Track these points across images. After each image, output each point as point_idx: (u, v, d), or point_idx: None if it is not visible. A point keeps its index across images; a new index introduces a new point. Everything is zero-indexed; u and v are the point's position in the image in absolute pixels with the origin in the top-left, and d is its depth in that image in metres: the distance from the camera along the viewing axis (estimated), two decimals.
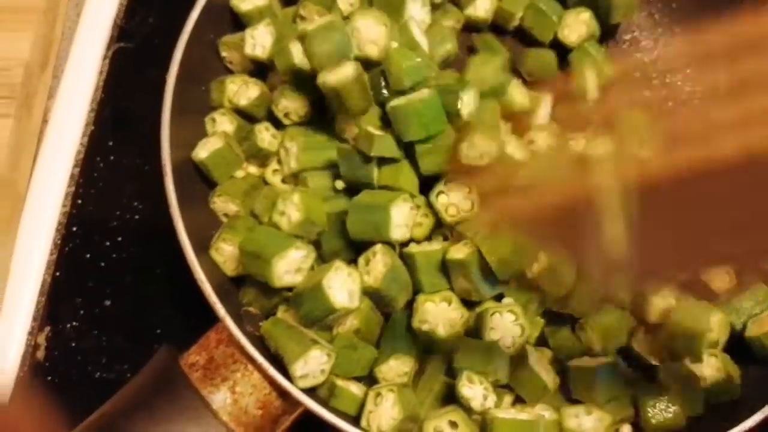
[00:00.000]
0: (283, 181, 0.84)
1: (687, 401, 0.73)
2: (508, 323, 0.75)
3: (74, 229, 0.90)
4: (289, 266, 0.74)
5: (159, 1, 1.02)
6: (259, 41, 0.85)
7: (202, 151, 0.82)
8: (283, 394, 0.70)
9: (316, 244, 0.77)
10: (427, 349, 0.76)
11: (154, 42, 0.99)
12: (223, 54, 0.89)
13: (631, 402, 0.74)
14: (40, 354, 0.85)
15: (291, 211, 0.76)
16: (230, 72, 0.89)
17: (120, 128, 0.95)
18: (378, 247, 0.75)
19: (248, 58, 0.86)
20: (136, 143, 0.94)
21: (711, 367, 0.75)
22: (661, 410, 0.73)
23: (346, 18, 0.90)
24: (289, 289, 0.76)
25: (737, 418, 0.70)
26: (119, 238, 0.90)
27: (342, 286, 0.73)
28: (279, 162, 0.84)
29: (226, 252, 0.78)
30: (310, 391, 0.71)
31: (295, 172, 0.82)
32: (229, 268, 0.78)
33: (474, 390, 0.72)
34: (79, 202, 0.91)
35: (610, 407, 0.73)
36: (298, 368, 0.70)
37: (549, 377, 0.75)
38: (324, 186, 0.81)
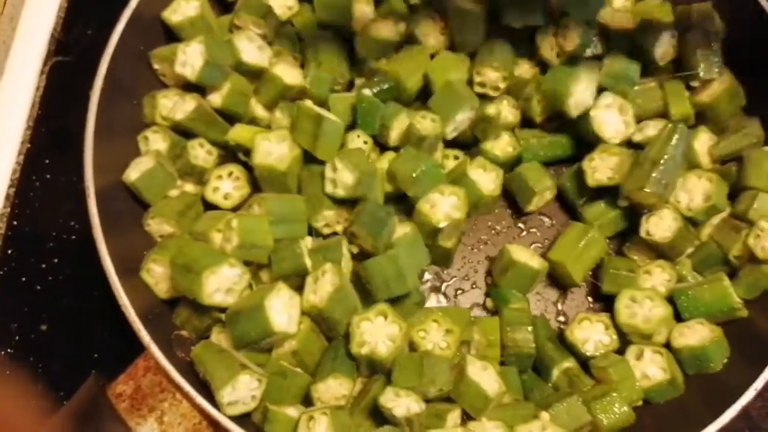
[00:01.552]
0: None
1: (626, 391, 0.72)
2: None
3: (9, 251, 0.86)
4: (221, 284, 0.70)
5: (97, 12, 0.98)
6: (189, 60, 0.80)
7: (133, 173, 0.78)
8: (213, 423, 0.67)
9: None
10: (371, 370, 0.73)
11: (92, 55, 0.93)
12: (155, 66, 0.85)
13: (586, 410, 0.71)
14: None
15: (231, 234, 0.73)
16: (164, 85, 0.85)
17: (57, 146, 0.92)
18: (328, 266, 0.72)
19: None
20: (73, 161, 0.88)
21: (655, 365, 0.73)
22: (611, 410, 0.71)
23: (285, 23, 0.87)
24: (223, 310, 0.73)
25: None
26: (55, 260, 0.86)
27: (283, 308, 0.70)
28: None
29: (157, 273, 0.74)
30: (243, 419, 0.68)
31: None
32: (161, 290, 0.75)
33: (398, 401, 0.69)
34: (15, 223, 0.88)
35: (565, 419, 0.70)
36: (225, 394, 0.66)
37: (491, 386, 0.72)
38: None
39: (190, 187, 0.82)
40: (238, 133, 0.79)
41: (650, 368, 0.72)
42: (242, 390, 0.67)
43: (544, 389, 0.76)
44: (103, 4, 0.97)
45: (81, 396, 0.69)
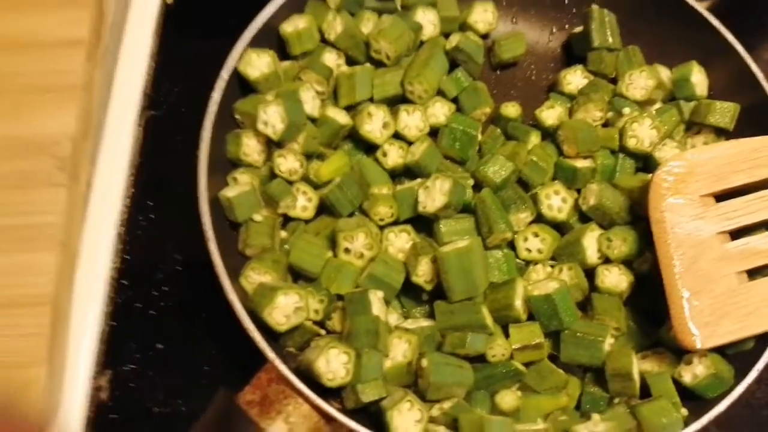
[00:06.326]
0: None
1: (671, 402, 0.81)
2: None
3: (124, 282, 0.96)
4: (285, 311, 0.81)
5: (181, 71, 1.08)
6: (270, 120, 0.89)
7: (230, 192, 0.87)
8: (329, 419, 0.78)
9: None
10: None
11: (181, 109, 1.05)
12: (236, 116, 0.94)
13: (632, 416, 0.80)
14: (104, 395, 0.91)
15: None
16: None
17: (158, 189, 1.01)
18: None
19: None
20: (173, 202, 0.99)
21: (702, 366, 0.82)
22: (660, 416, 0.79)
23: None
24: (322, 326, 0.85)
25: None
26: (165, 288, 0.96)
27: None
28: None
29: (253, 279, 0.85)
30: (354, 414, 0.79)
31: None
32: None
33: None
34: (127, 258, 0.97)
35: (614, 422, 0.79)
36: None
37: None
38: None
39: (266, 213, 0.90)
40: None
41: (698, 369, 0.82)
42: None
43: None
44: (185, 67, 1.09)
45: (217, 407, 0.79)
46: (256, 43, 0.94)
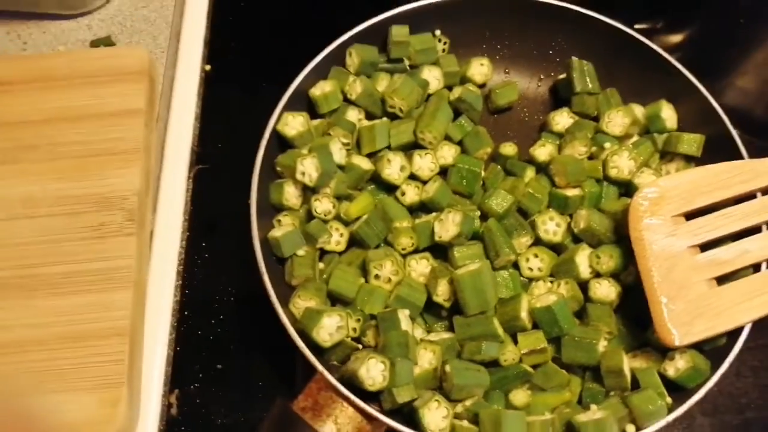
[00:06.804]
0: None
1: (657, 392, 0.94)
2: None
3: (186, 313, 1.12)
4: (329, 329, 0.96)
5: (222, 130, 1.25)
6: (307, 171, 1.05)
7: (277, 232, 1.03)
8: (370, 419, 0.93)
9: None
10: None
11: (225, 163, 1.22)
12: (277, 168, 1.11)
13: (624, 405, 0.93)
14: (174, 411, 1.06)
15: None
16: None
17: (209, 232, 1.18)
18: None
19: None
20: (223, 242, 1.16)
21: (683, 360, 0.95)
22: (648, 404, 0.91)
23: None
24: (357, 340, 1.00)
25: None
26: (221, 317, 1.12)
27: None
28: None
29: (299, 305, 1.00)
30: (391, 413, 0.93)
31: None
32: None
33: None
34: (187, 292, 1.13)
35: (609, 411, 0.91)
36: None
37: None
38: None
39: (307, 248, 1.05)
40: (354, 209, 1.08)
41: (679, 363, 0.94)
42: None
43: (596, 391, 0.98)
44: (225, 125, 1.26)
45: (275, 413, 0.94)
46: (290, 106, 1.11)
